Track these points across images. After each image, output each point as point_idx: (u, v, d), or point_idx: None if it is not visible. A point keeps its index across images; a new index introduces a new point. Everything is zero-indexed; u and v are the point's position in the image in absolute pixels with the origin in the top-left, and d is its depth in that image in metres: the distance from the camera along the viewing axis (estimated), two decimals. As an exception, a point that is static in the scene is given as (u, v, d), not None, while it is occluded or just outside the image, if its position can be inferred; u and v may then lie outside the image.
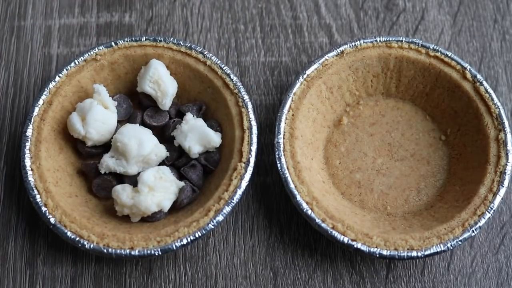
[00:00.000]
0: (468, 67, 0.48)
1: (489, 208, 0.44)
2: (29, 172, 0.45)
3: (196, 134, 0.46)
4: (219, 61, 0.48)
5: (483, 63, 0.54)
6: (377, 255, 0.43)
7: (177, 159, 0.47)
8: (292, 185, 0.45)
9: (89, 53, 0.49)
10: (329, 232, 0.44)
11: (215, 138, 0.46)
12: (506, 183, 0.45)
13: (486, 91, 0.48)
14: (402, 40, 0.49)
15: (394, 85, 0.50)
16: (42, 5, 0.55)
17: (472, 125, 0.48)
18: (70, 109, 0.48)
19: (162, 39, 0.49)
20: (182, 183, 0.45)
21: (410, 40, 0.49)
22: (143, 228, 0.44)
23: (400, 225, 0.46)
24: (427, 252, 0.43)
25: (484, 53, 0.54)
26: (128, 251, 0.43)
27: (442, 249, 0.43)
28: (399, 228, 0.45)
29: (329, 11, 0.55)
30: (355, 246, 0.43)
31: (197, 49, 0.49)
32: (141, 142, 0.45)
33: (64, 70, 0.48)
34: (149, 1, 0.55)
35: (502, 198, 0.45)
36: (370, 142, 0.49)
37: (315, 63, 0.48)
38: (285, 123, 0.47)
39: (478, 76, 0.48)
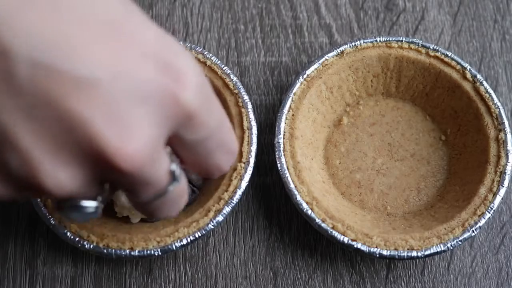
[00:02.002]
0: (468, 67, 0.48)
1: (489, 208, 0.44)
2: (29, 172, 0.45)
3: (196, 134, 0.46)
4: (219, 61, 0.48)
5: (483, 63, 0.54)
6: (377, 255, 0.43)
7: (177, 159, 0.47)
8: (292, 185, 0.45)
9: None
10: (329, 232, 0.44)
11: None
12: (506, 183, 0.45)
13: (486, 91, 0.48)
14: (402, 40, 0.49)
15: (394, 85, 0.50)
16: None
17: (472, 125, 0.48)
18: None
19: (162, 39, 0.49)
20: (182, 183, 0.45)
21: (410, 40, 0.49)
22: (143, 228, 0.44)
23: (400, 225, 0.46)
24: (427, 252, 0.43)
25: (484, 53, 0.54)
26: (128, 251, 0.43)
27: (442, 249, 0.43)
28: (399, 228, 0.45)
29: (329, 11, 0.55)
30: (355, 246, 0.43)
31: (197, 49, 0.49)
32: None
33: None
34: (149, 1, 0.55)
35: (502, 198, 0.45)
36: (370, 142, 0.49)
37: (315, 63, 0.48)
38: (285, 123, 0.47)
39: (478, 76, 0.48)
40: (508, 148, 0.46)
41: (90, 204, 0.31)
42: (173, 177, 0.32)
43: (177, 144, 0.32)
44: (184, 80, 0.30)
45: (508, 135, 0.46)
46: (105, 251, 0.43)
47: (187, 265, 0.47)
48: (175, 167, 0.32)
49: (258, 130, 0.47)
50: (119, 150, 0.28)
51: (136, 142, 0.28)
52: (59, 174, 0.28)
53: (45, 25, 0.27)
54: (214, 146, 0.34)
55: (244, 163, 0.45)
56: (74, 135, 0.27)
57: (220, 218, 0.44)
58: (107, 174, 0.29)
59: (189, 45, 0.49)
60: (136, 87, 0.28)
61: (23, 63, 0.26)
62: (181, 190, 0.34)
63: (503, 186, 0.45)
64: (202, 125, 0.31)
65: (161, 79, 0.29)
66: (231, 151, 0.36)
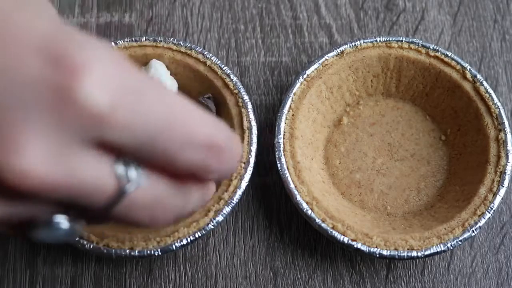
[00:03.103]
0: (468, 67, 0.48)
1: (489, 208, 0.44)
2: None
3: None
4: (219, 61, 0.48)
5: (483, 63, 0.54)
6: (377, 255, 0.43)
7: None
8: (292, 185, 0.45)
9: (89, 53, 0.49)
10: (329, 232, 0.44)
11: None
12: (506, 183, 0.45)
13: (486, 91, 0.48)
14: (402, 40, 0.49)
15: (394, 85, 0.50)
16: (42, 5, 0.55)
17: (472, 125, 0.48)
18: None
19: (162, 39, 0.49)
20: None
21: (410, 40, 0.49)
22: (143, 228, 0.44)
23: (400, 225, 0.46)
24: (427, 252, 0.43)
25: (484, 53, 0.54)
26: (128, 251, 0.43)
27: (442, 249, 0.43)
28: (399, 228, 0.45)
29: (329, 11, 0.55)
30: (355, 246, 0.43)
31: (197, 49, 0.49)
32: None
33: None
34: (149, 1, 0.55)
35: (502, 198, 0.45)
36: (370, 142, 0.49)
37: (315, 63, 0.48)
38: (285, 123, 0.47)
39: (478, 76, 0.48)
40: (508, 148, 0.46)
41: (57, 220, 0.27)
42: (126, 179, 0.27)
43: (121, 150, 0.26)
44: (82, 72, 0.24)
45: (508, 135, 0.46)
46: (105, 251, 0.43)
47: (187, 265, 0.47)
48: (121, 169, 0.27)
49: (258, 130, 0.47)
50: (8, 169, 0.23)
51: (27, 155, 0.23)
52: None
53: None
54: (175, 145, 0.27)
55: (244, 163, 0.45)
56: None
57: (220, 218, 0.44)
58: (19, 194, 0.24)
59: (189, 45, 0.49)
60: (18, 88, 0.23)
61: None
62: (151, 194, 0.28)
63: (503, 186, 0.45)
64: (130, 124, 0.25)
65: (51, 74, 0.24)
66: (212, 145, 0.28)
